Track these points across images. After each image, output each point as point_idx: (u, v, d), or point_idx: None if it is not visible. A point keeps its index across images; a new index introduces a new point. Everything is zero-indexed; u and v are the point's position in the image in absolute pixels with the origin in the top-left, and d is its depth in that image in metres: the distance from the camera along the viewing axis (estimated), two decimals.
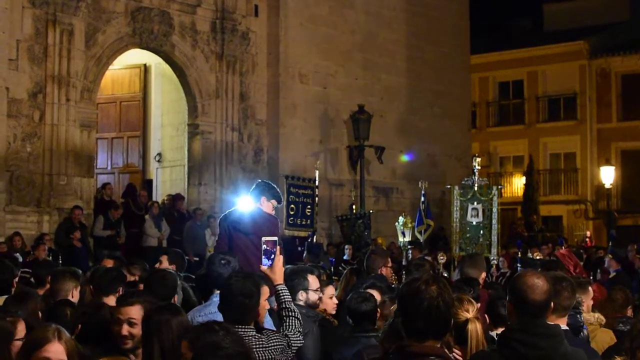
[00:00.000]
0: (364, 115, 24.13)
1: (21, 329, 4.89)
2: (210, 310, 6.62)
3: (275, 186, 9.29)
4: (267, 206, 9.01)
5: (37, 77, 18.79)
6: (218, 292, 6.65)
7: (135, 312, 5.41)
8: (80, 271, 8.59)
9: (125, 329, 5.36)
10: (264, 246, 5.89)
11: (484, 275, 8.41)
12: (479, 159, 17.89)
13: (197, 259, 18.99)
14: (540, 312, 4.69)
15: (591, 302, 7.57)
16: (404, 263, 17.81)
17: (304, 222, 19.82)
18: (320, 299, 7.50)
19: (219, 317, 6.14)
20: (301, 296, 7.19)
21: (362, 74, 26.00)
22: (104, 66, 20.38)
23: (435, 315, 4.02)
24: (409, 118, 27.52)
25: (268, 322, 6.40)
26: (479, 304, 6.75)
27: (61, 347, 4.29)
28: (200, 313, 6.66)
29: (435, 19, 28.73)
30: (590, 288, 7.65)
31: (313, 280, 7.32)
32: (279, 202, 9.17)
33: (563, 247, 20.11)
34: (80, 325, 6.10)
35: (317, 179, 20.76)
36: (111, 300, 7.15)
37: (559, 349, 4.55)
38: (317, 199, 20.71)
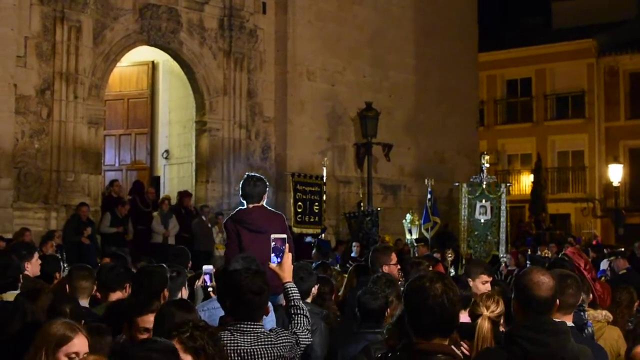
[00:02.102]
0: (371, 113, 24.13)
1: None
2: (214, 305, 6.65)
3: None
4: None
5: (45, 74, 18.81)
6: None
7: None
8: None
9: (146, 336, 5.43)
10: (273, 244, 5.88)
11: (484, 278, 8.25)
12: (487, 157, 17.83)
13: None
14: (546, 309, 4.69)
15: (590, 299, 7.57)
16: None
17: (312, 219, 19.81)
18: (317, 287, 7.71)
19: (221, 312, 6.18)
20: (314, 290, 7.32)
21: (370, 71, 25.98)
22: (112, 63, 20.39)
23: (440, 312, 4.01)
24: (417, 115, 27.50)
25: (271, 319, 6.41)
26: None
27: (83, 338, 4.42)
28: (203, 307, 6.67)
29: (444, 16, 28.69)
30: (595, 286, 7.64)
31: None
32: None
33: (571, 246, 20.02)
34: (83, 322, 6.12)
35: (324, 176, 20.75)
36: (117, 296, 7.19)
37: (565, 346, 4.53)
38: (325, 196, 20.70)
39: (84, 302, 7.12)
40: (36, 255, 8.58)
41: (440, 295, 4.01)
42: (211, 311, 6.60)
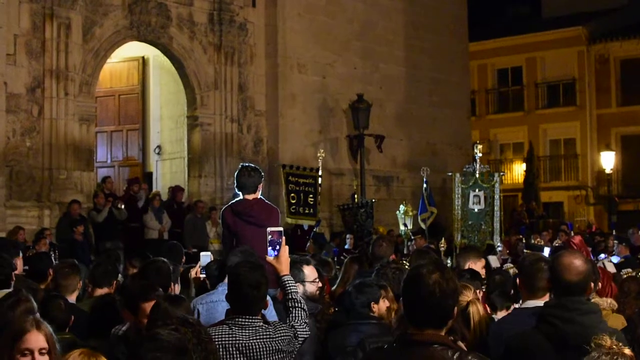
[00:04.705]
0: (363, 105, 24.11)
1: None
2: (212, 299, 6.63)
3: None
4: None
5: (35, 71, 18.74)
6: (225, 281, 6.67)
7: None
8: (83, 265, 8.60)
9: None
10: (270, 237, 5.90)
11: (482, 263, 8.37)
12: (480, 146, 17.84)
13: (195, 250, 18.95)
14: (576, 291, 4.76)
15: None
16: (405, 252, 17.82)
17: (307, 211, 19.76)
18: (319, 289, 7.50)
19: (220, 306, 6.16)
20: (298, 289, 7.19)
21: (360, 63, 25.96)
22: (102, 59, 20.32)
23: (431, 303, 3.97)
24: (408, 107, 27.50)
25: (271, 312, 6.40)
26: (479, 291, 6.76)
27: (40, 335, 4.31)
28: (201, 301, 6.65)
29: (433, 6, 28.69)
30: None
31: (309, 272, 7.27)
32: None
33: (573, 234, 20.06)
34: (73, 317, 6.13)
35: (320, 168, 20.73)
36: (104, 292, 7.21)
37: (597, 325, 4.59)
38: (320, 188, 20.66)
39: (70, 298, 7.14)
40: (20, 253, 8.56)
41: (432, 285, 3.97)
42: (209, 304, 6.59)
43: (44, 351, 4.30)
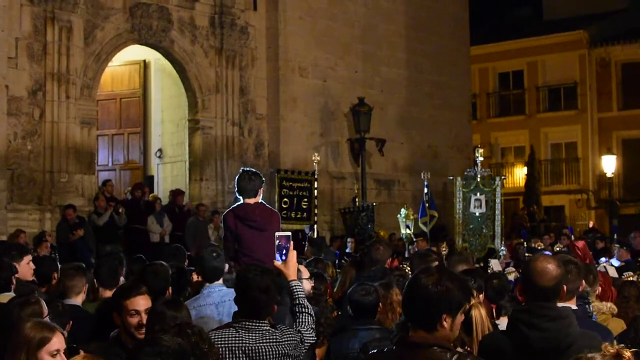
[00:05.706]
0: (364, 108, 24.09)
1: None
2: (200, 303, 6.64)
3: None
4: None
5: (37, 74, 18.76)
6: (209, 285, 6.70)
7: (148, 301, 5.57)
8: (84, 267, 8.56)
9: (145, 318, 5.50)
10: (277, 242, 5.90)
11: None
12: (481, 150, 17.83)
13: None
14: (549, 296, 4.74)
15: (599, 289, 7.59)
16: (406, 255, 17.81)
17: (299, 215, 19.78)
18: (317, 290, 7.54)
19: (209, 310, 6.14)
20: (310, 288, 7.24)
21: (361, 66, 25.96)
22: (103, 63, 20.34)
23: (419, 305, 3.99)
24: (409, 110, 27.49)
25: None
26: (482, 294, 6.75)
27: (62, 336, 4.61)
28: (189, 306, 6.65)
29: (435, 9, 28.68)
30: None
31: (303, 270, 7.32)
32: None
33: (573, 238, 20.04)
34: (71, 322, 6.13)
35: (316, 172, 20.71)
36: (111, 294, 7.17)
37: (563, 330, 4.58)
38: (315, 192, 20.64)
39: (75, 300, 7.10)
40: (27, 258, 8.31)
41: (419, 285, 3.99)
42: (198, 309, 6.58)
43: (63, 351, 4.60)
